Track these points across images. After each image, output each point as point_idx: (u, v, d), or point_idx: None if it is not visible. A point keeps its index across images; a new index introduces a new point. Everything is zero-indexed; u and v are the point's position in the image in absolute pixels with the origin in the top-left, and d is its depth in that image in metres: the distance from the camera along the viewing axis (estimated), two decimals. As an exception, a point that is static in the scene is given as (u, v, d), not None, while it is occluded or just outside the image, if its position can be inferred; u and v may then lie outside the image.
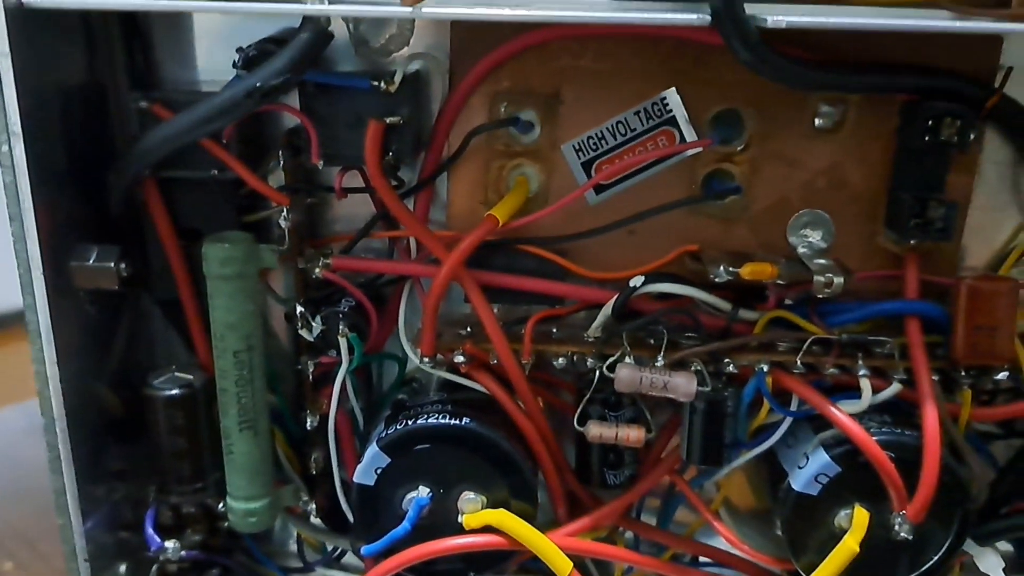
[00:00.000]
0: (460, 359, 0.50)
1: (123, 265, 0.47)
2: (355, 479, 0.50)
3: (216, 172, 0.47)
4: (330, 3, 0.39)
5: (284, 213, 0.47)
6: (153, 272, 0.50)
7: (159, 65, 0.50)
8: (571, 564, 0.47)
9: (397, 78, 0.44)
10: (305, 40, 0.40)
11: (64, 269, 0.46)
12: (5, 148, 0.41)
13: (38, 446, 0.94)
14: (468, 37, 0.47)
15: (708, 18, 0.39)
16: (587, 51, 0.48)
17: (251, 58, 0.43)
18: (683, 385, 0.47)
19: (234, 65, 0.45)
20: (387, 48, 0.48)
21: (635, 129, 0.49)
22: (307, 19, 0.41)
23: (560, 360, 0.50)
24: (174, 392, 0.49)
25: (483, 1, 0.41)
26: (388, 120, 0.45)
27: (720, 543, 0.54)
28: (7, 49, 0.40)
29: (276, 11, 0.40)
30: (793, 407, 0.50)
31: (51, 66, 0.44)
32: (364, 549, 0.49)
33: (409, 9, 0.38)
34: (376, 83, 0.44)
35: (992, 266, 0.52)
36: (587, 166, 0.50)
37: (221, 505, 0.51)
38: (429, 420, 0.49)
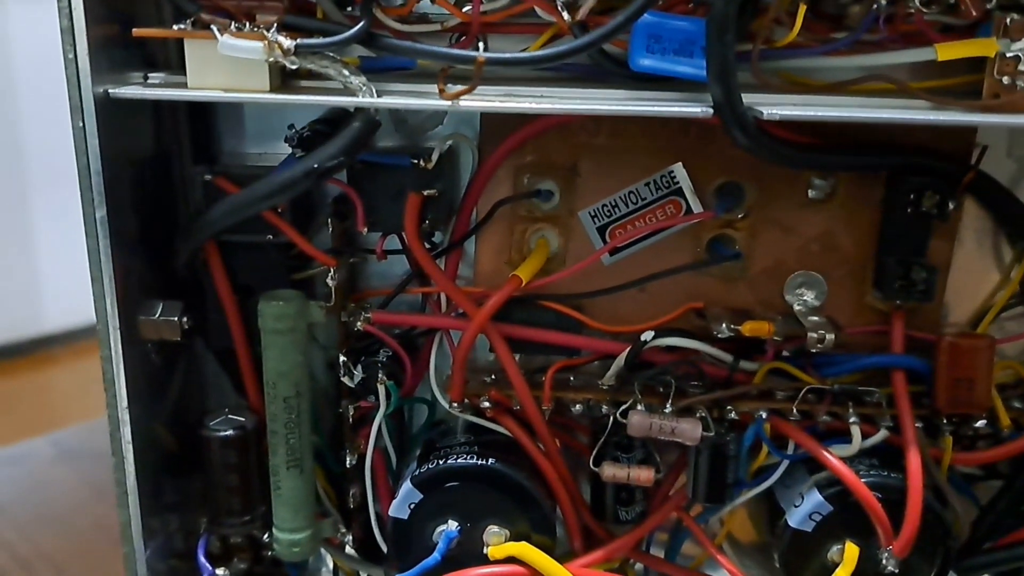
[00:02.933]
0: (486, 404, 0.54)
1: (185, 318, 0.52)
2: (390, 513, 0.54)
3: (271, 237, 0.52)
4: (379, 96, 0.45)
5: (331, 273, 0.52)
6: (210, 324, 0.54)
7: (218, 137, 0.56)
8: (586, 593, 0.51)
9: (435, 157, 0.50)
10: (357, 128, 0.45)
11: (133, 323, 0.50)
12: (90, 217, 0.46)
13: (66, 474, 0.98)
14: (496, 119, 0.52)
15: (711, 111, 0.44)
16: (602, 130, 0.53)
17: (304, 138, 0.48)
18: (689, 431, 0.52)
19: (286, 140, 0.50)
20: (423, 126, 0.54)
21: (645, 199, 0.53)
22: (359, 109, 0.46)
23: (577, 406, 0.54)
24: (228, 433, 0.53)
25: (511, 93, 0.46)
26: (426, 193, 0.50)
27: (724, 575, 0.57)
28: (95, 130, 0.45)
29: (332, 103, 0.46)
30: (789, 451, 0.53)
31: (126, 142, 0.49)
32: (397, 577, 0.54)
33: (448, 103, 0.44)
34: (416, 161, 0.50)
35: (973, 322, 0.56)
36: (602, 230, 0.54)
37: (267, 536, 0.56)
38: (458, 460, 0.53)
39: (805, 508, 0.52)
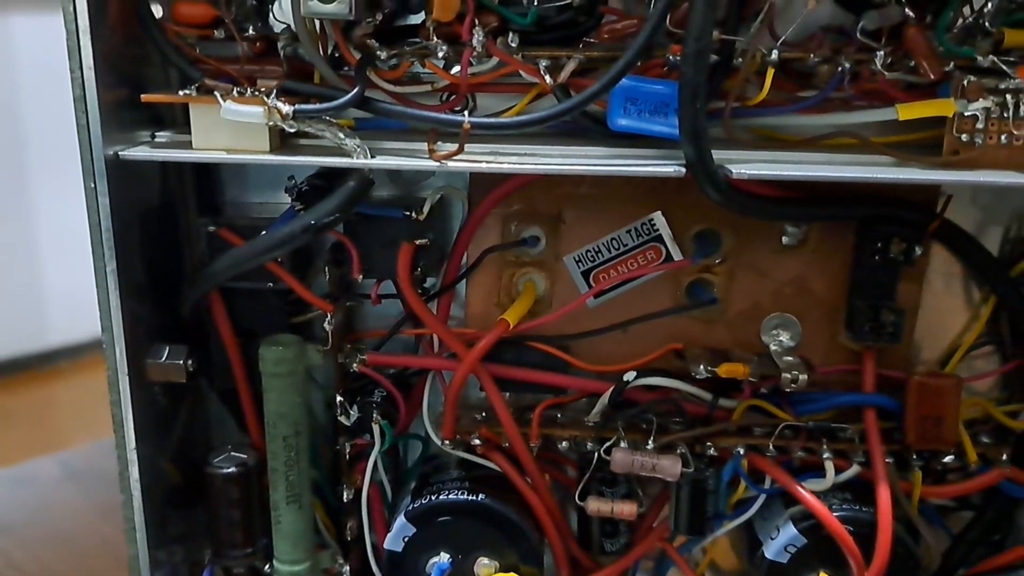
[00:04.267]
0: (476, 441, 0.57)
1: (190, 362, 0.54)
2: (385, 545, 0.57)
3: (271, 284, 0.55)
4: (372, 157, 0.47)
5: (328, 318, 0.54)
6: (214, 366, 0.57)
7: (221, 188, 0.59)
8: (573, 622, 0.54)
9: (426, 209, 0.52)
10: (352, 188, 0.48)
11: (141, 367, 0.53)
12: (101, 270, 0.49)
13: (72, 494, 1.01)
14: (485, 172, 0.55)
15: (683, 170, 0.46)
16: (585, 181, 0.55)
17: (303, 192, 0.51)
18: (669, 467, 0.54)
19: (286, 190, 0.53)
20: (416, 178, 0.56)
21: (627, 245, 0.56)
22: (354, 169, 0.49)
23: (564, 443, 0.57)
24: (231, 470, 0.56)
25: (497, 151, 0.49)
26: (418, 242, 0.53)
27: (706, 603, 0.61)
28: (106, 190, 0.48)
29: (328, 163, 0.48)
30: (766, 485, 0.56)
31: (135, 197, 0.51)
32: (393, 607, 0.56)
33: (438, 164, 0.47)
34: (408, 213, 0.52)
35: (943, 360, 0.59)
36: (586, 275, 0.57)
37: (268, 567, 0.58)
38: (450, 496, 0.56)
39: (781, 540, 0.55)
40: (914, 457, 0.56)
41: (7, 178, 2.23)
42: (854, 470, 0.55)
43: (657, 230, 0.56)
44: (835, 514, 0.53)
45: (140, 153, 0.49)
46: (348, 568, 0.60)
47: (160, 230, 0.55)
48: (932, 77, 0.47)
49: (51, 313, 2.37)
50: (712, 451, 0.56)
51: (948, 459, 0.55)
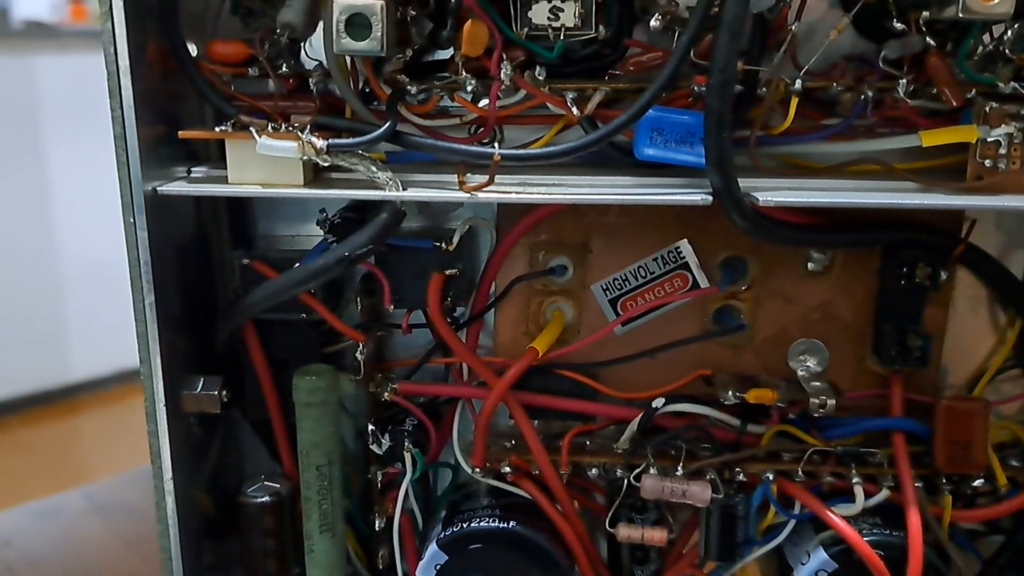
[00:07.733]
0: (506, 469, 0.57)
1: (224, 392, 0.55)
2: (417, 574, 0.57)
3: (304, 315, 0.56)
4: (404, 189, 0.48)
5: (360, 348, 0.55)
6: (248, 396, 0.58)
7: (254, 221, 0.60)
8: (605, 649, 0.54)
9: (455, 239, 0.53)
10: (385, 220, 0.49)
11: (177, 398, 0.54)
12: (140, 303, 0.50)
13: (98, 528, 1.01)
14: (513, 203, 0.56)
15: (710, 198, 0.47)
16: (611, 210, 0.56)
17: (335, 224, 0.52)
18: (699, 493, 0.55)
19: (318, 223, 0.54)
20: (445, 208, 0.57)
21: (653, 272, 0.57)
22: (386, 201, 0.50)
23: (593, 470, 0.57)
24: (265, 500, 0.56)
25: (526, 182, 0.50)
26: (447, 272, 0.54)
27: (738, 629, 0.60)
28: (144, 224, 0.49)
29: (361, 196, 0.50)
30: (796, 510, 0.56)
31: (171, 231, 0.52)
32: (424, 636, 0.56)
33: (468, 195, 0.47)
34: (438, 244, 0.53)
35: (970, 384, 0.59)
36: (613, 303, 0.57)
37: (300, 597, 0.59)
38: (481, 523, 0.56)
39: (812, 565, 0.55)
40: (943, 481, 0.55)
41: (30, 214, 2.27)
42: (883, 494, 0.55)
43: (683, 257, 0.56)
44: (865, 539, 0.53)
45: (178, 188, 0.50)
46: (380, 597, 0.60)
47: (195, 263, 0.56)
48: (954, 104, 0.48)
49: (74, 347, 2.40)
50: (741, 477, 0.56)
51: (978, 483, 0.55)
